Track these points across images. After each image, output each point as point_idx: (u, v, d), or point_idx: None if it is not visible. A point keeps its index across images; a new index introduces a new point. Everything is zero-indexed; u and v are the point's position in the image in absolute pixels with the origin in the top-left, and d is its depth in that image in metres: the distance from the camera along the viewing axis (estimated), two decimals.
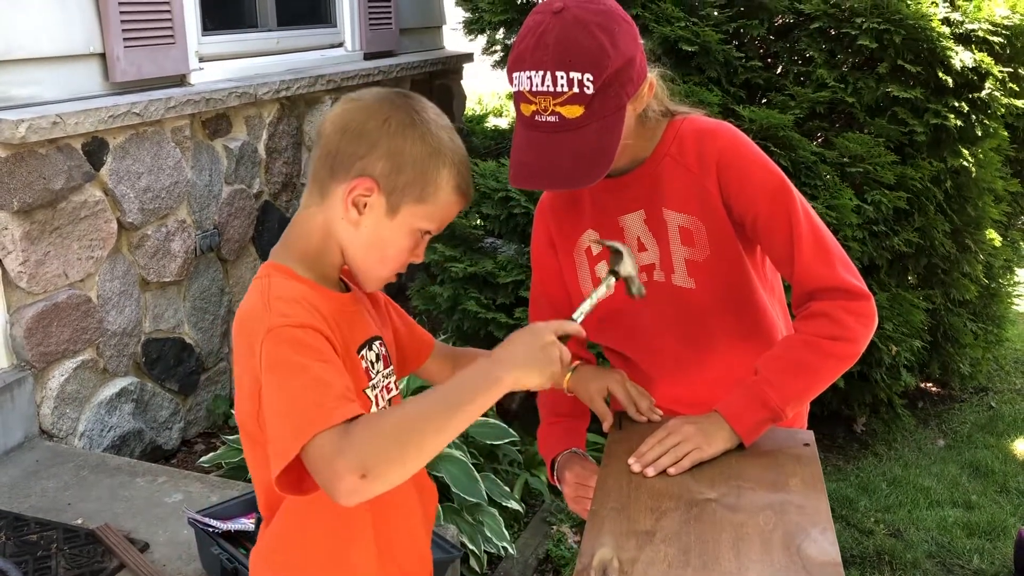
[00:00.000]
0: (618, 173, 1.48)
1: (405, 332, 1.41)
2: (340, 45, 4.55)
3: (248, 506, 2.29)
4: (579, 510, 1.48)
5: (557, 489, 3.26)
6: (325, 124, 1.20)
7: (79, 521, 2.43)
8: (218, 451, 2.98)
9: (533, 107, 1.31)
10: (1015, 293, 4.42)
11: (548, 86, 1.28)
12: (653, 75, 1.40)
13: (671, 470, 1.26)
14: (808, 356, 1.35)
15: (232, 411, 3.52)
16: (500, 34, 4.02)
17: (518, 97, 1.35)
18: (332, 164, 1.17)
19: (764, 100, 3.54)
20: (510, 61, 1.34)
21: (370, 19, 4.63)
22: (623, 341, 1.59)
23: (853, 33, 3.27)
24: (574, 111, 1.29)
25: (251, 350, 1.09)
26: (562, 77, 1.27)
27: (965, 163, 3.43)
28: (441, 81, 5.36)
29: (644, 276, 1.51)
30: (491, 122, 6.84)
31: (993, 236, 3.72)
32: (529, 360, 1.09)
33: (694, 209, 1.45)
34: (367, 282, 1.24)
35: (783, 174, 1.42)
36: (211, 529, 2.13)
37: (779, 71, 3.58)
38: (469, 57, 5.60)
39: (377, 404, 1.24)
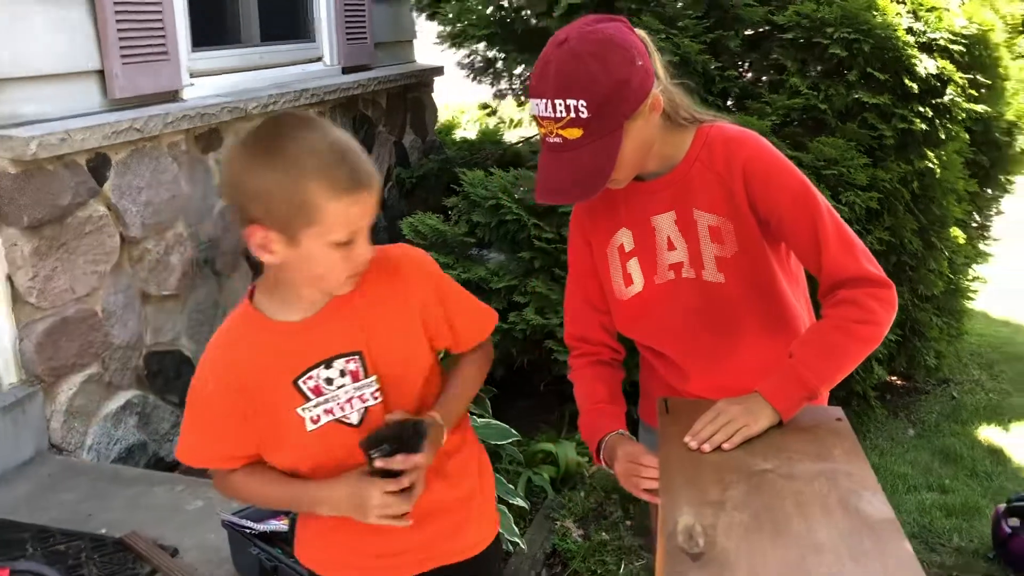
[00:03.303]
0: (650, 176, 1.60)
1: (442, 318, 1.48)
2: (319, 60, 4.62)
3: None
4: (630, 486, 1.59)
5: (559, 486, 3.35)
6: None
7: (103, 531, 2.47)
8: None
9: (543, 130, 1.47)
10: (972, 289, 4.64)
11: (550, 112, 1.43)
12: (659, 91, 1.51)
13: (725, 445, 1.38)
14: (839, 339, 1.48)
15: None
16: (481, 47, 4.14)
17: (535, 120, 1.50)
18: (237, 217, 1.28)
19: (741, 108, 3.70)
20: (529, 88, 1.50)
21: (347, 33, 4.71)
22: (656, 337, 1.70)
23: (824, 43, 3.45)
24: (574, 133, 1.43)
25: None
26: (560, 104, 1.42)
27: (930, 165, 3.61)
28: (414, 94, 5.46)
29: (672, 274, 1.63)
30: (458, 134, 6.94)
31: (957, 234, 3.92)
32: (346, 510, 1.37)
33: (723, 210, 1.57)
34: (333, 291, 1.35)
35: (804, 176, 1.55)
36: (248, 530, 2.19)
37: (754, 80, 3.74)
38: (440, 70, 5.71)
39: (330, 415, 1.39)
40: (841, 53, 3.43)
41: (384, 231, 5.02)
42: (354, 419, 1.39)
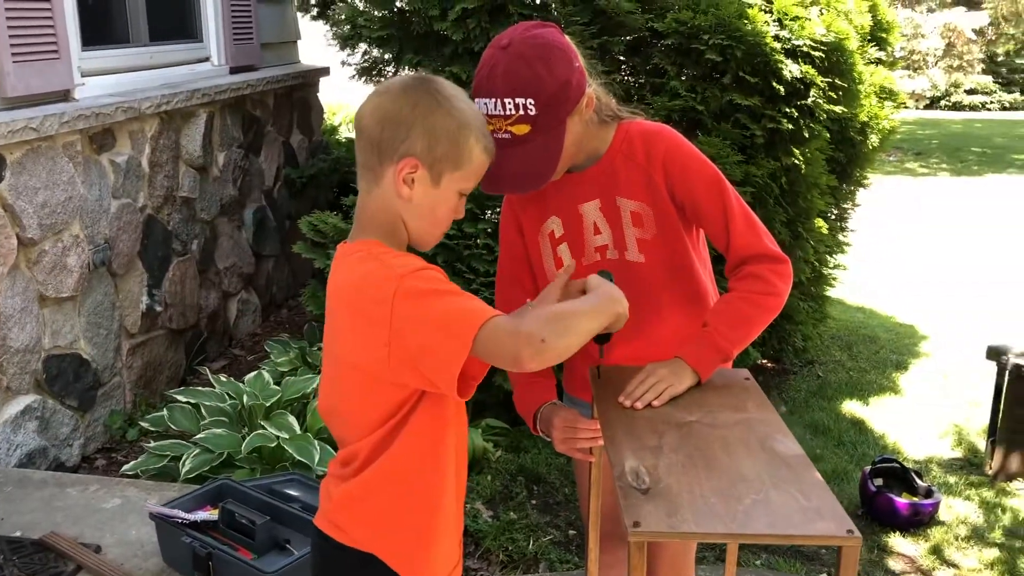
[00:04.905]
0: (578, 168, 1.77)
1: None
2: (207, 60, 4.59)
3: (203, 500, 2.39)
4: (567, 449, 1.74)
5: (467, 471, 3.49)
6: (364, 118, 1.39)
7: (18, 533, 2.44)
8: (139, 459, 3.01)
9: (492, 127, 1.59)
10: (833, 276, 5.05)
11: (499, 110, 1.58)
12: (591, 90, 1.69)
13: (655, 403, 1.55)
14: (746, 308, 1.68)
15: (131, 427, 3.53)
16: (374, 48, 4.22)
17: None
18: (379, 151, 1.37)
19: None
20: (472, 89, 1.63)
21: (234, 34, 4.69)
22: None
23: (701, 48, 3.71)
24: (522, 129, 1.59)
25: (378, 304, 1.27)
26: (509, 103, 1.58)
27: (796, 161, 3.94)
28: (300, 94, 5.47)
29: (598, 256, 1.80)
30: (344, 134, 6.96)
31: (820, 224, 4.28)
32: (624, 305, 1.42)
33: (643, 197, 1.75)
34: (424, 244, 1.45)
35: (715, 166, 1.75)
36: (180, 520, 2.22)
37: (637, 83, 3.98)
38: (326, 71, 5.74)
39: None
40: (716, 58, 3.70)
41: (275, 231, 5.03)
42: None
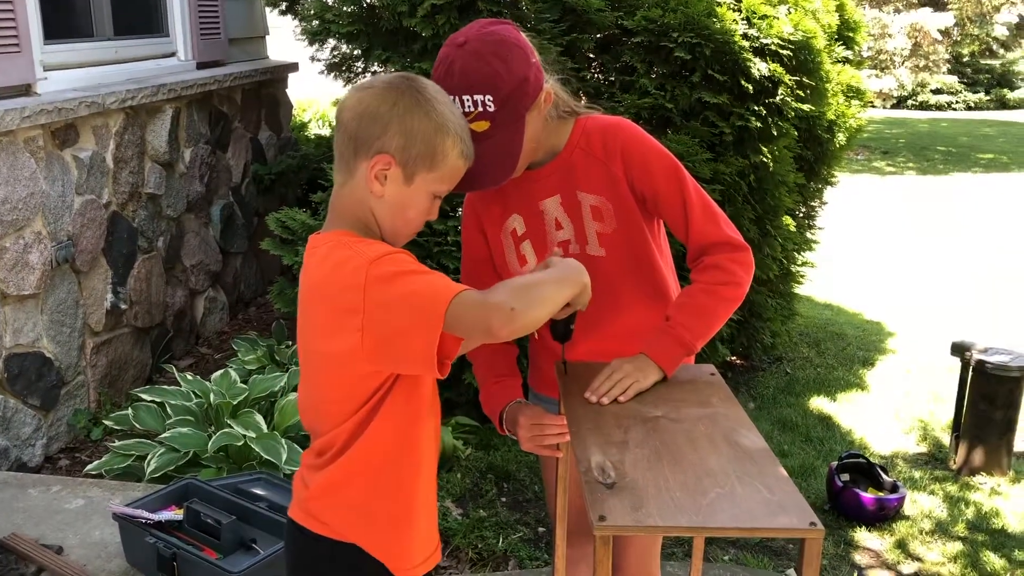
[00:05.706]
0: (537, 165, 1.77)
1: None
2: (173, 55, 4.54)
3: (168, 500, 2.36)
4: (533, 447, 1.74)
5: (437, 469, 3.49)
6: (343, 112, 1.40)
7: None
8: (103, 459, 2.97)
9: None
10: (801, 274, 5.09)
11: (458, 107, 1.55)
12: (549, 85, 1.69)
13: (621, 398, 1.55)
14: (708, 301, 1.69)
15: (95, 426, 3.48)
16: (343, 44, 4.19)
17: None
18: (355, 146, 1.38)
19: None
20: None
21: (201, 29, 4.64)
22: None
23: (670, 46, 3.72)
24: (482, 126, 1.58)
25: (350, 291, 1.28)
26: (468, 100, 1.56)
27: (764, 159, 3.96)
28: (268, 90, 5.43)
29: (560, 251, 1.79)
30: (313, 130, 6.92)
31: (788, 222, 4.31)
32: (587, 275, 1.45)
33: (603, 190, 1.75)
34: (395, 241, 1.45)
35: (673, 156, 1.75)
36: (144, 520, 2.19)
37: (606, 80, 3.98)
38: (295, 67, 5.70)
39: None
40: (685, 56, 3.71)
41: (243, 228, 4.98)
42: None
